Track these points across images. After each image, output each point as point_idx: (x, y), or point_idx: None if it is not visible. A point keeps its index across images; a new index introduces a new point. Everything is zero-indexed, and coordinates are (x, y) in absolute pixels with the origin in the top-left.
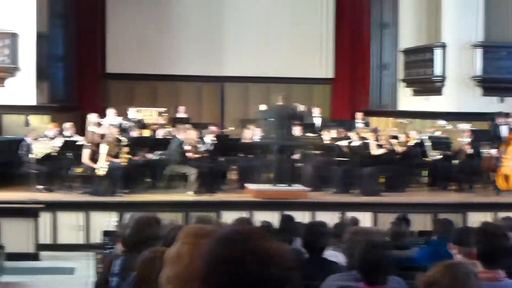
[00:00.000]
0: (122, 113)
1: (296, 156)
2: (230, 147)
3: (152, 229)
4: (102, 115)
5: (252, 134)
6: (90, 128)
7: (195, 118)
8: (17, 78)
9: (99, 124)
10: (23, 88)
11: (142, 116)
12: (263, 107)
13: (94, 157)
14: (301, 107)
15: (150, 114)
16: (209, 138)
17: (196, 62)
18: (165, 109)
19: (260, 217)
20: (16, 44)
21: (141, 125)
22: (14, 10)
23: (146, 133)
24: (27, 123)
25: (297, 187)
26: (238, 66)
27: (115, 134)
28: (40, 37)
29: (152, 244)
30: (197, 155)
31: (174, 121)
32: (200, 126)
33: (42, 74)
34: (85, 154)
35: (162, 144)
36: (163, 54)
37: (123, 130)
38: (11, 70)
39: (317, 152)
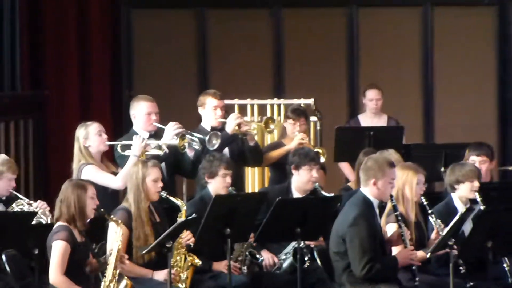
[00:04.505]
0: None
1: None
2: None
3: None
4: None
5: None
6: (88, 171)
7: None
8: None
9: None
10: None
11: (243, 123)
12: None
13: (74, 266)
14: None
15: (268, 122)
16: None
17: None
18: (311, 100)
19: None
20: None
21: (240, 150)
22: None
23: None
24: None
25: None
26: None
27: (152, 188)
28: None
29: None
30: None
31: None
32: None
33: None
34: (58, 256)
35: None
36: None
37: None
38: None
39: None
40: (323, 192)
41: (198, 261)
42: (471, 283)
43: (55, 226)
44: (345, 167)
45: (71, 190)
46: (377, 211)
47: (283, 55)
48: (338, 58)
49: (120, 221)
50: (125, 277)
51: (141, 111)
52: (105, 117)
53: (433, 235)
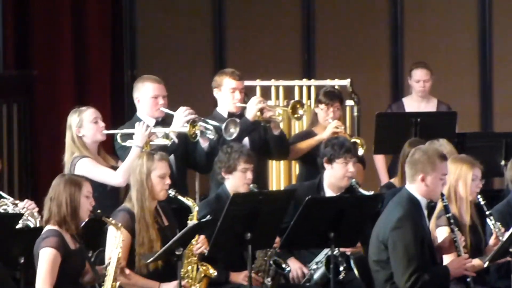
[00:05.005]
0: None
1: None
2: None
3: None
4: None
5: None
6: (82, 164)
7: None
8: None
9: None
10: None
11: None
12: None
13: (66, 278)
14: None
15: (296, 106)
16: None
17: None
18: (347, 81)
19: None
20: None
21: (263, 140)
22: None
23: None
24: None
25: None
26: None
27: (159, 185)
28: None
29: None
30: None
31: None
32: None
33: None
34: (46, 266)
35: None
36: None
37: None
38: None
39: None
40: (361, 190)
41: (213, 272)
42: None
43: (44, 230)
44: (379, 161)
45: (63, 187)
46: (426, 212)
47: (314, 28)
48: (379, 31)
49: (120, 224)
50: None
51: (146, 94)
52: (104, 101)
53: (491, 241)
